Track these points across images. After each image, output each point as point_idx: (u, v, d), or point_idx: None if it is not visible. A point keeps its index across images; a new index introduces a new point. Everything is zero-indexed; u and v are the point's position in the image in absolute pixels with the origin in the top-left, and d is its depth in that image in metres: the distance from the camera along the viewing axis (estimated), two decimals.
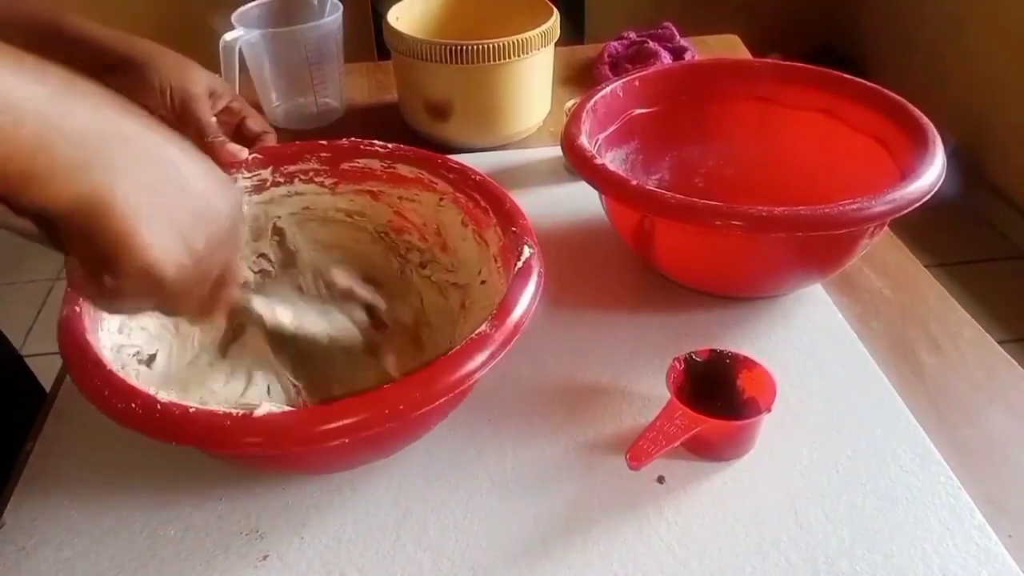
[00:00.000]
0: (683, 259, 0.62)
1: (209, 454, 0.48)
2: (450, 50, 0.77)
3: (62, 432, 0.54)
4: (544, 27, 0.80)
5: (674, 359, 0.52)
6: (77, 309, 0.45)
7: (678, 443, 0.48)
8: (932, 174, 0.55)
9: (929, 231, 1.34)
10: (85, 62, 0.54)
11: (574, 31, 1.98)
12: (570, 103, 0.85)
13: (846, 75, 0.67)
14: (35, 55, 0.53)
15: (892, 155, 0.62)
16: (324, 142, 0.59)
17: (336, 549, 0.46)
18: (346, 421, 0.38)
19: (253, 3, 0.87)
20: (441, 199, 0.57)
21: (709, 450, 0.51)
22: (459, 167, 0.56)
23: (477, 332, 0.42)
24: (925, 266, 0.69)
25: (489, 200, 0.54)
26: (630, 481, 0.49)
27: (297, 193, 0.59)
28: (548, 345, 0.59)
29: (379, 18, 0.89)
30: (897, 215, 0.53)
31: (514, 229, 0.51)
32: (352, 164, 0.59)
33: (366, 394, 0.40)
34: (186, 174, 0.35)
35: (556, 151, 0.79)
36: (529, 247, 0.49)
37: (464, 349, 0.41)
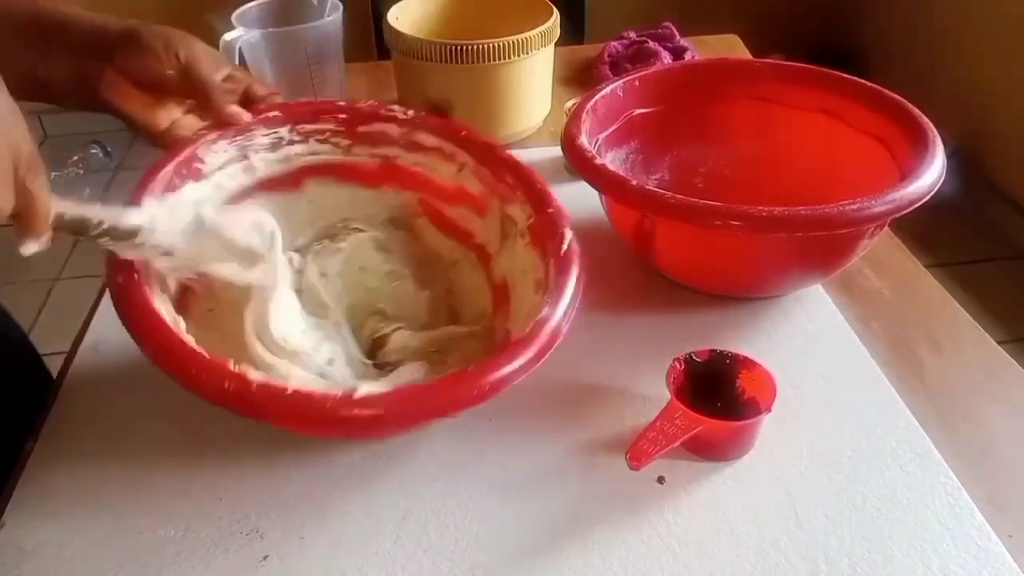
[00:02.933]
0: (683, 259, 0.62)
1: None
2: (450, 50, 0.77)
3: (62, 432, 0.54)
4: (544, 27, 0.80)
5: (674, 359, 0.52)
6: (136, 276, 0.45)
7: (678, 443, 0.48)
8: (932, 174, 0.55)
9: (929, 231, 1.33)
10: (87, 48, 0.54)
11: (574, 31, 1.97)
12: (570, 103, 0.85)
13: (846, 75, 0.67)
14: (39, 44, 0.53)
15: (892, 155, 0.62)
16: (343, 102, 0.59)
17: (336, 549, 0.46)
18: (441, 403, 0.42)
19: (253, 3, 0.87)
20: (460, 169, 0.57)
21: (709, 450, 0.51)
22: (484, 140, 0.57)
23: (541, 314, 0.45)
24: (925, 266, 0.69)
25: (516, 176, 0.54)
26: (630, 481, 0.49)
27: (312, 153, 0.59)
28: None
29: (379, 18, 0.89)
30: (897, 215, 0.53)
31: (549, 211, 0.52)
32: (370, 128, 0.59)
33: (454, 376, 0.43)
34: None
35: (556, 151, 0.79)
36: (568, 229, 0.50)
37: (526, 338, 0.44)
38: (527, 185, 0.54)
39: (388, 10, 0.85)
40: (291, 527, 0.48)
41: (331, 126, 0.59)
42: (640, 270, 0.67)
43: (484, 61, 0.78)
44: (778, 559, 0.45)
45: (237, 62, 0.81)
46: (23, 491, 0.50)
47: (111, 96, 0.55)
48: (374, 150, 0.59)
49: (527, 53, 0.79)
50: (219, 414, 0.54)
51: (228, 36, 0.80)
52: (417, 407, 0.42)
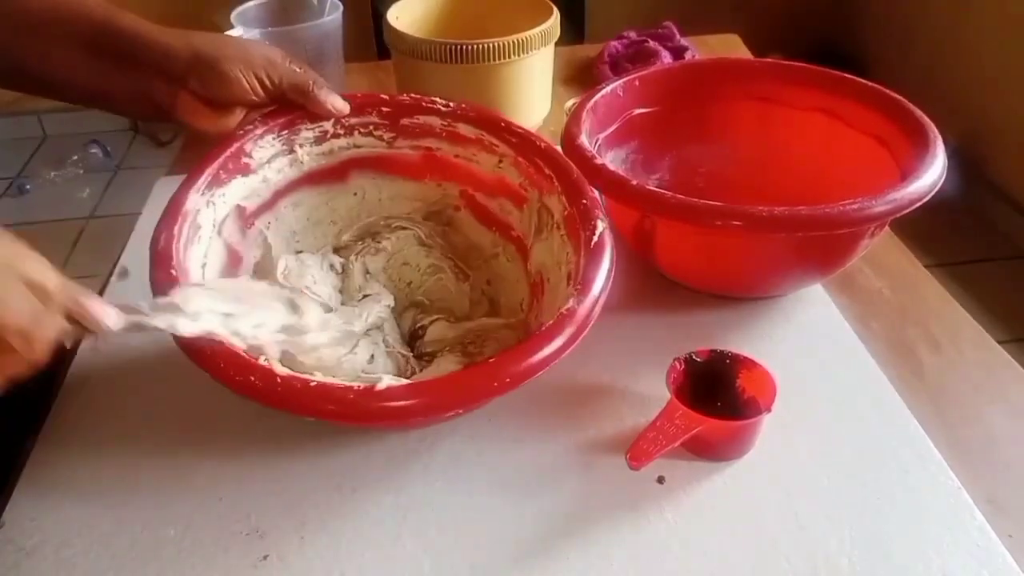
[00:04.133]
0: (683, 259, 0.62)
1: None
2: (450, 49, 0.77)
3: (62, 432, 0.54)
4: (544, 26, 0.80)
5: (674, 359, 0.52)
6: (173, 272, 0.46)
7: (678, 443, 0.48)
8: (932, 174, 0.55)
9: (929, 231, 1.33)
10: (152, 68, 0.54)
11: (574, 31, 1.97)
12: (570, 103, 0.85)
13: (846, 75, 0.67)
14: (99, 59, 0.54)
15: (892, 155, 0.62)
16: (386, 96, 0.60)
17: (336, 549, 0.46)
18: (463, 395, 0.43)
19: (253, 2, 0.87)
20: (500, 161, 0.58)
21: (709, 450, 0.51)
22: (523, 132, 0.57)
23: (566, 308, 0.45)
24: (925, 266, 0.69)
25: (553, 168, 0.55)
26: (630, 481, 0.49)
27: (356, 146, 0.60)
28: None
29: (379, 17, 0.89)
30: (897, 215, 0.53)
31: (584, 202, 0.52)
32: (412, 120, 0.59)
33: (473, 369, 0.44)
34: None
35: None
36: (601, 220, 0.51)
37: (556, 323, 0.44)
38: (563, 175, 0.54)
39: (388, 10, 0.85)
40: (291, 527, 0.48)
41: (374, 119, 0.59)
42: (640, 270, 0.67)
43: (484, 61, 0.78)
44: (778, 559, 0.45)
45: None
46: (23, 491, 0.50)
47: (184, 115, 0.55)
48: (416, 142, 0.60)
49: (527, 53, 0.79)
50: (218, 415, 0.55)
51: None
52: (436, 400, 0.42)
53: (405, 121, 0.59)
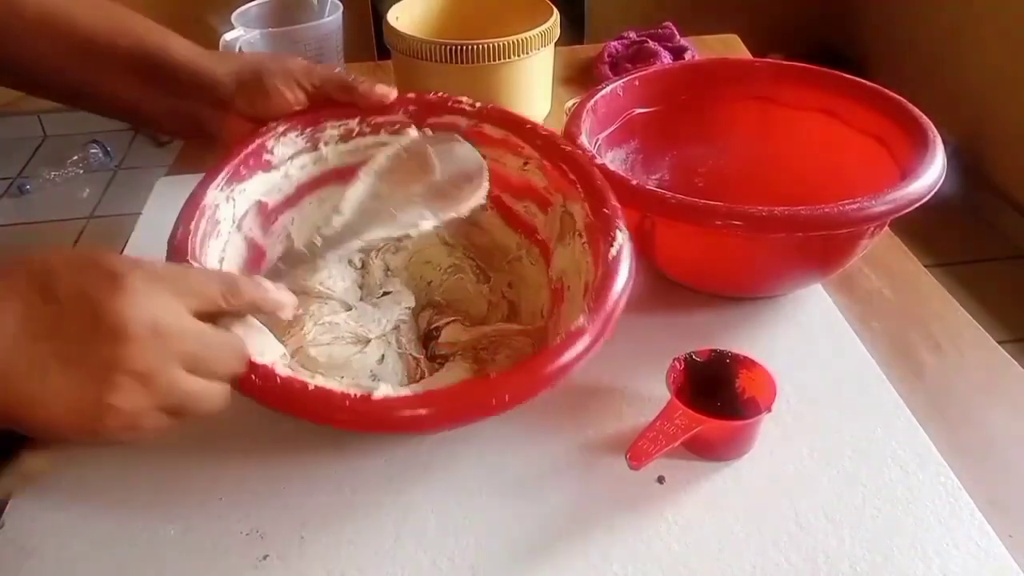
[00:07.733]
0: (683, 259, 0.62)
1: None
2: (450, 50, 0.77)
3: None
4: (544, 27, 0.80)
5: (674, 359, 0.52)
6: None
7: (678, 443, 0.48)
8: (932, 174, 0.55)
9: (929, 231, 1.33)
10: (197, 93, 0.56)
11: (574, 31, 1.97)
12: (570, 103, 0.85)
13: (846, 75, 0.67)
14: (145, 84, 0.55)
15: (892, 155, 0.62)
16: (412, 95, 0.59)
17: (336, 549, 0.46)
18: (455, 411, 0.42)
19: (253, 2, 0.87)
20: (526, 163, 0.57)
21: (709, 450, 0.51)
22: (548, 133, 0.57)
23: (575, 326, 0.45)
24: (925, 266, 0.69)
25: (577, 173, 0.54)
26: (630, 481, 0.49)
27: (382, 144, 0.59)
28: None
29: (379, 18, 0.89)
30: (897, 215, 0.53)
31: (605, 210, 0.51)
32: (439, 119, 0.59)
33: (474, 383, 0.44)
34: None
35: None
36: (621, 231, 0.50)
37: (566, 341, 0.44)
38: (586, 181, 0.54)
39: (388, 10, 0.85)
40: (291, 527, 0.48)
41: (401, 117, 0.59)
42: (640, 270, 0.66)
43: (484, 61, 0.78)
44: (778, 559, 0.45)
45: None
46: (23, 491, 0.50)
47: (231, 139, 0.56)
48: None
49: (527, 53, 0.79)
50: (219, 415, 0.54)
51: (228, 36, 0.80)
52: (432, 413, 0.42)
53: (432, 120, 0.59)
